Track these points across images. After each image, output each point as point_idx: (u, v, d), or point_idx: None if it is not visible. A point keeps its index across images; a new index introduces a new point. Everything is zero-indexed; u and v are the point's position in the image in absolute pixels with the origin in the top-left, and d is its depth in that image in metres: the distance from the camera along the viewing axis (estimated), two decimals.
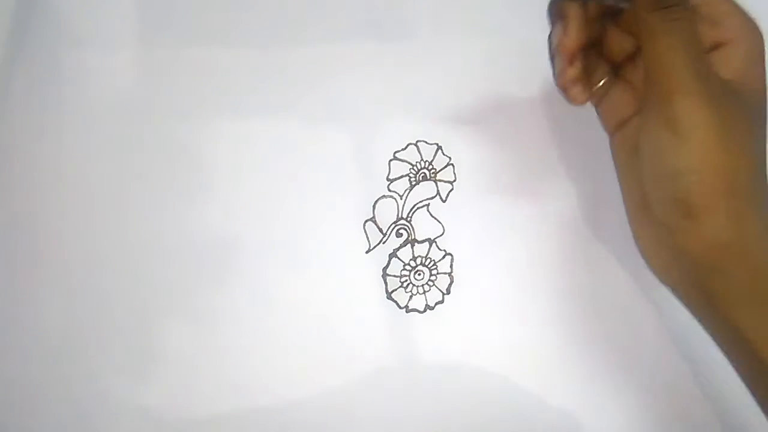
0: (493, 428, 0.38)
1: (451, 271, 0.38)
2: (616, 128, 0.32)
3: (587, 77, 0.31)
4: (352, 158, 0.39)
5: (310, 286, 0.38)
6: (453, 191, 0.39)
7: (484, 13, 0.36)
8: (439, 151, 0.39)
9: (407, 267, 0.38)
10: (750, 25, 0.28)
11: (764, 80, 0.29)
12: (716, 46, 0.28)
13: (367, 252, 0.38)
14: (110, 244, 0.39)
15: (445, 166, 0.39)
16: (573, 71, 0.30)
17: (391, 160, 0.39)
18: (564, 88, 0.31)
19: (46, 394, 0.38)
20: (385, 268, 0.38)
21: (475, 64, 0.40)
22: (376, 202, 0.39)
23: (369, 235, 0.38)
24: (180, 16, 0.40)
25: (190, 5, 0.40)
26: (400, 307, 0.38)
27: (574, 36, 0.30)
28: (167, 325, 0.38)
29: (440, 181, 0.39)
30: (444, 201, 0.39)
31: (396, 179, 0.39)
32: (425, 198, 0.39)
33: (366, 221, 0.38)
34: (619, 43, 0.32)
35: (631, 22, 0.30)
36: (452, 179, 0.39)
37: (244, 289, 0.38)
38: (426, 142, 0.39)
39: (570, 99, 0.31)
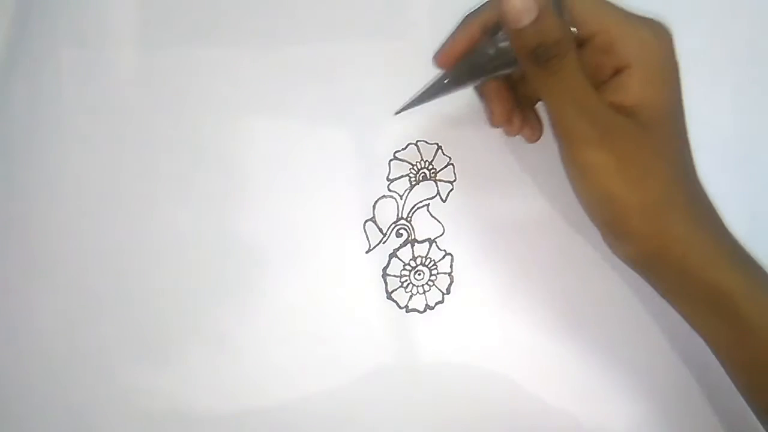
0: (493, 428, 0.38)
1: (451, 271, 0.38)
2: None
3: (530, 117, 0.34)
4: (352, 158, 0.39)
5: (310, 286, 0.38)
6: (453, 191, 0.39)
7: None
8: (439, 151, 0.39)
9: (407, 267, 0.38)
10: (646, 45, 0.29)
11: (667, 96, 0.29)
12: (615, 73, 0.29)
13: (367, 252, 0.38)
14: (108, 244, 0.39)
15: (445, 166, 0.39)
16: (513, 131, 0.34)
17: (391, 160, 0.39)
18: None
19: (46, 394, 0.38)
20: (385, 268, 0.38)
21: None
22: (376, 202, 0.39)
23: (369, 235, 0.38)
24: (180, 16, 0.40)
25: (191, 5, 0.40)
26: (400, 307, 0.38)
27: (497, 113, 0.33)
28: (166, 325, 0.38)
29: (440, 181, 0.39)
30: (444, 201, 0.39)
31: (396, 179, 0.39)
32: (425, 198, 0.39)
33: (366, 221, 0.38)
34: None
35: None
36: (452, 179, 0.39)
37: (244, 289, 0.38)
38: (426, 142, 0.39)
39: (526, 140, 0.35)
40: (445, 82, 0.32)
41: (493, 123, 0.34)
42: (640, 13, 0.30)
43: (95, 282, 0.38)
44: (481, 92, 0.34)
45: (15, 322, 0.38)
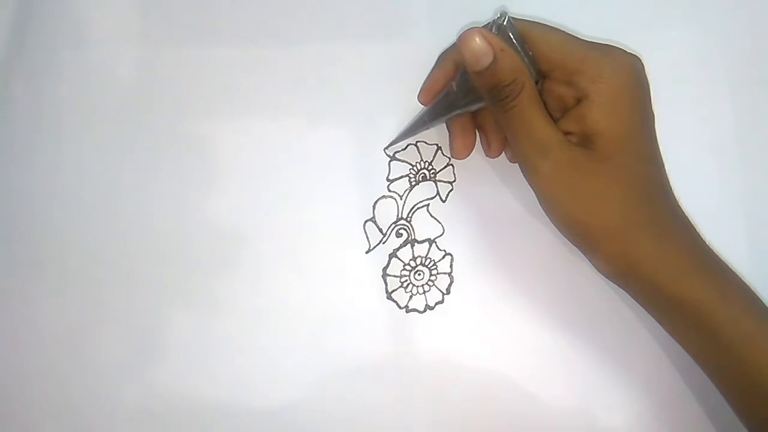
0: (493, 427, 0.38)
1: (451, 271, 0.39)
2: None
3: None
4: (352, 158, 0.39)
5: (310, 286, 0.38)
6: (453, 191, 0.39)
7: (484, 13, 0.36)
8: (439, 151, 0.39)
9: (407, 267, 0.38)
10: (603, 75, 0.30)
11: (625, 123, 0.31)
12: (577, 102, 0.31)
13: (367, 252, 0.38)
14: (108, 244, 0.39)
15: (445, 167, 0.39)
16: (492, 153, 0.35)
17: (391, 160, 0.39)
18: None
19: (46, 394, 0.38)
20: (385, 268, 0.38)
21: None
22: (376, 202, 0.39)
23: (369, 235, 0.38)
24: (180, 15, 0.40)
25: (191, 5, 0.40)
26: (400, 307, 0.38)
27: (460, 148, 0.35)
28: (166, 325, 0.38)
29: (440, 181, 0.39)
30: (444, 201, 0.39)
31: (396, 179, 0.39)
32: (425, 198, 0.39)
33: (366, 221, 0.38)
34: None
35: None
36: (452, 179, 0.39)
37: (244, 289, 0.38)
38: (426, 143, 0.39)
39: (509, 159, 0.36)
40: (425, 118, 0.35)
41: (456, 155, 0.36)
42: (612, 42, 0.32)
43: (95, 282, 0.38)
44: (447, 127, 0.36)
45: (15, 323, 0.38)
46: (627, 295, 0.34)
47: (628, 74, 0.31)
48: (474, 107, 0.33)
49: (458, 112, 0.34)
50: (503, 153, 0.36)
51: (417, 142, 0.39)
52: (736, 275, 0.32)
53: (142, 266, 0.39)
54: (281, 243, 0.38)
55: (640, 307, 0.34)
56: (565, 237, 0.33)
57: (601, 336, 0.38)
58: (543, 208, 0.32)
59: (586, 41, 0.31)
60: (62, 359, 0.38)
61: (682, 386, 0.38)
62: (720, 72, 0.39)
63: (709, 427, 0.37)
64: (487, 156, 0.36)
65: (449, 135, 0.36)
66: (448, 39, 0.36)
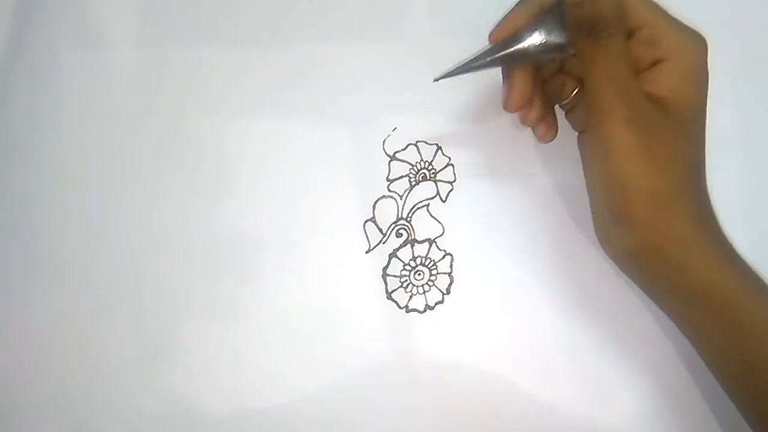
0: (493, 428, 0.38)
1: (451, 271, 0.39)
2: (581, 131, 0.34)
3: (549, 115, 0.35)
4: (352, 158, 0.39)
5: (310, 286, 0.38)
6: (453, 191, 0.39)
7: (484, 13, 0.36)
8: (439, 151, 0.39)
9: (407, 267, 0.38)
10: (687, 44, 0.31)
11: (699, 95, 0.31)
12: (654, 64, 0.31)
13: (367, 252, 0.38)
14: (108, 244, 0.39)
15: (445, 166, 0.39)
16: (529, 120, 0.34)
17: (391, 160, 0.39)
18: (529, 127, 0.35)
19: (46, 394, 0.38)
20: (385, 268, 0.38)
21: None
22: (376, 202, 0.39)
23: (369, 235, 0.38)
24: (180, 16, 0.40)
25: (191, 5, 0.40)
26: (400, 307, 0.38)
27: (516, 100, 0.33)
28: (167, 325, 0.38)
29: (440, 181, 0.39)
30: (444, 201, 0.39)
31: (396, 179, 0.39)
32: (425, 198, 0.39)
33: (366, 221, 0.39)
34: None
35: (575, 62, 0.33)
36: (452, 179, 0.39)
37: (244, 289, 0.38)
38: (426, 143, 0.39)
39: (538, 138, 0.35)
40: (488, 58, 0.32)
41: (509, 106, 0.34)
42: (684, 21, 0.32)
43: (95, 282, 0.38)
44: (507, 72, 0.34)
45: (15, 323, 0.38)
46: (630, 293, 0.34)
47: (704, 50, 0.31)
48: (546, 57, 0.32)
49: (527, 60, 0.32)
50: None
51: (417, 142, 0.39)
52: (753, 269, 0.32)
53: (142, 266, 0.39)
54: (281, 243, 0.38)
55: (643, 305, 0.33)
56: (598, 196, 0.32)
57: (602, 336, 0.38)
58: (594, 160, 0.32)
59: (667, 11, 0.31)
60: (62, 359, 0.38)
61: (687, 384, 0.38)
62: (720, 72, 0.39)
63: (716, 426, 0.37)
64: (505, 108, 0.34)
65: (505, 84, 0.34)
66: (448, 39, 0.36)
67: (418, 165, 0.39)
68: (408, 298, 0.38)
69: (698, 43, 0.31)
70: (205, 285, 0.38)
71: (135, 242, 0.39)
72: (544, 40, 0.31)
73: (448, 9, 0.39)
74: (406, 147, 0.39)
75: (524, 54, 0.32)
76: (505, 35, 0.32)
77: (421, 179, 0.39)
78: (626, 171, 0.30)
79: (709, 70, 0.31)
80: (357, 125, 0.39)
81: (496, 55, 0.32)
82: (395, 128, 0.38)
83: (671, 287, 0.32)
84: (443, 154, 0.39)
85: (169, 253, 0.39)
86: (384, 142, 0.38)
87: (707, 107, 0.31)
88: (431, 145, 0.39)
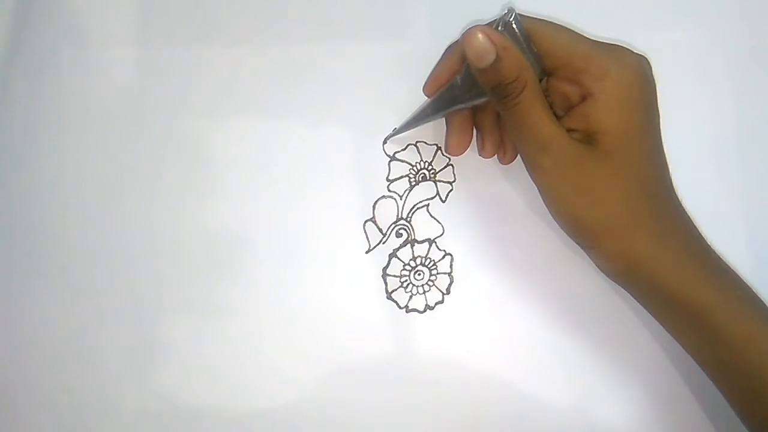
0: (493, 428, 0.38)
1: (451, 271, 0.39)
2: None
3: (506, 143, 0.36)
4: (352, 158, 0.39)
5: (310, 286, 0.38)
6: (453, 191, 0.39)
7: (484, 13, 0.36)
8: (439, 151, 0.39)
9: (407, 267, 0.38)
10: (608, 73, 0.31)
11: (628, 124, 0.31)
12: (582, 100, 0.31)
13: (367, 252, 0.38)
14: (108, 244, 0.39)
15: (445, 167, 0.39)
16: (485, 153, 0.36)
17: (391, 160, 0.39)
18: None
19: (46, 394, 0.38)
20: (385, 268, 0.38)
21: None
22: (376, 202, 0.39)
23: (369, 235, 0.38)
24: (180, 15, 0.40)
25: (191, 5, 0.40)
26: (400, 307, 0.38)
27: (454, 146, 0.36)
28: (167, 325, 0.38)
29: (440, 181, 0.39)
30: (444, 201, 0.39)
31: (396, 179, 0.39)
32: (425, 198, 0.39)
33: (366, 221, 0.39)
34: None
35: None
36: (452, 179, 0.39)
37: (244, 289, 0.38)
38: (426, 143, 0.39)
39: (499, 161, 0.37)
40: (428, 110, 0.35)
41: (449, 151, 0.36)
42: (620, 42, 0.32)
43: (95, 282, 0.38)
44: (446, 122, 0.36)
45: (15, 323, 0.38)
46: (627, 294, 0.34)
47: (635, 74, 0.31)
48: (477, 102, 0.33)
49: (461, 106, 0.34)
50: (495, 156, 0.36)
51: (417, 142, 0.39)
52: (738, 276, 0.32)
53: (142, 266, 0.39)
54: (281, 243, 0.38)
55: (640, 306, 0.34)
56: (567, 234, 0.33)
57: (601, 336, 0.38)
58: (546, 205, 0.32)
59: (593, 40, 0.31)
60: (62, 360, 0.38)
61: (683, 386, 0.38)
62: (720, 72, 0.39)
63: (709, 427, 0.37)
64: (480, 155, 0.36)
65: (447, 130, 0.36)
66: (448, 39, 0.36)
67: (418, 165, 0.39)
68: (408, 298, 0.38)
69: (625, 70, 0.31)
70: (204, 285, 0.38)
71: (135, 242, 0.39)
72: (471, 87, 0.32)
73: (448, 9, 0.39)
74: (406, 147, 0.39)
75: (458, 101, 0.33)
76: (436, 88, 0.35)
77: (421, 179, 0.39)
78: (570, 212, 0.31)
79: (651, 82, 0.31)
80: (357, 125, 0.39)
81: (438, 112, 0.35)
82: (395, 128, 0.38)
83: (653, 304, 0.33)
84: (443, 154, 0.39)
85: (169, 253, 0.39)
86: (384, 142, 0.38)
87: (651, 126, 0.32)
88: (431, 145, 0.39)
